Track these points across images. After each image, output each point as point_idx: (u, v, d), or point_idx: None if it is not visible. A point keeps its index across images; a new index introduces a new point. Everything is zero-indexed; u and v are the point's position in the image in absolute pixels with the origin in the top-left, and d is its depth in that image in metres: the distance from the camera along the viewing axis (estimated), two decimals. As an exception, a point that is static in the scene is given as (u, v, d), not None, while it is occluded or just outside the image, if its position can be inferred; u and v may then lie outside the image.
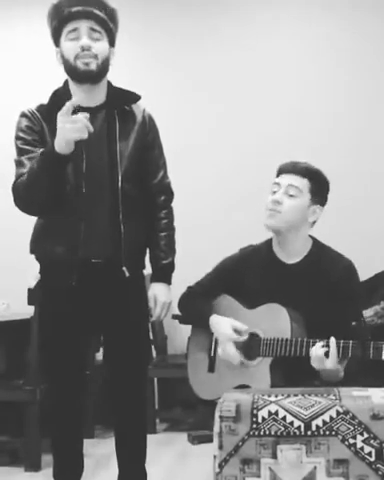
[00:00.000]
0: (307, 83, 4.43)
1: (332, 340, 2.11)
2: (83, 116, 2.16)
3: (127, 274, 2.35)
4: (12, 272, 4.18)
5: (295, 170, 2.34)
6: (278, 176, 2.37)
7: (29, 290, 2.96)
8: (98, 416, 3.76)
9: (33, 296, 2.93)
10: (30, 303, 2.98)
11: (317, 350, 2.11)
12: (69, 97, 2.34)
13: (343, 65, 4.42)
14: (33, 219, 2.43)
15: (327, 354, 2.10)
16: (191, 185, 4.18)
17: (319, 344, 2.12)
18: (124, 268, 2.34)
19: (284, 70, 4.44)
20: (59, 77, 2.45)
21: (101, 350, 2.88)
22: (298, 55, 4.46)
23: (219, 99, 4.46)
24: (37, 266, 2.45)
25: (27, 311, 3.15)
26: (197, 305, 2.47)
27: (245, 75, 4.46)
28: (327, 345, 2.11)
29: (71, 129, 2.14)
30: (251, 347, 2.31)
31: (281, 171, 2.37)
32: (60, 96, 2.37)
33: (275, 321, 2.26)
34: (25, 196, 2.28)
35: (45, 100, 2.41)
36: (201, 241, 4.25)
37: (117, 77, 2.48)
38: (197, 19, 4.52)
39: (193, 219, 4.09)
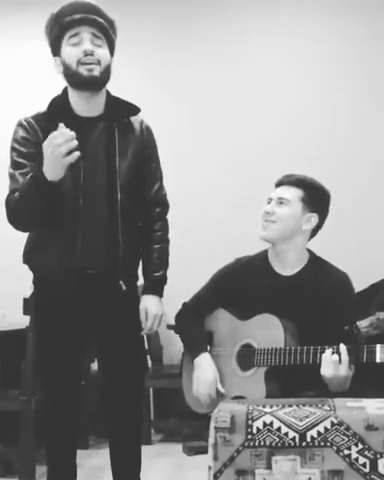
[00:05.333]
0: (303, 93, 4.46)
1: (342, 347, 2.09)
2: (69, 136, 2.08)
3: (124, 288, 2.35)
4: (7, 281, 4.17)
5: (287, 181, 2.38)
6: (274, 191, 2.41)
7: (24, 300, 2.96)
8: (93, 427, 3.75)
9: (29, 306, 2.92)
10: (26, 313, 2.98)
11: (330, 356, 2.09)
12: (68, 106, 2.34)
13: (339, 74, 4.45)
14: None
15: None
16: (186, 192, 4.19)
17: (329, 351, 2.11)
18: (121, 282, 2.34)
19: (279, 79, 4.47)
20: (54, 85, 2.41)
21: (96, 360, 2.88)
22: (293, 65, 4.49)
23: (218, 101, 4.48)
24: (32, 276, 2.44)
25: (23, 321, 3.14)
26: (193, 334, 2.45)
27: (241, 82, 4.49)
28: (336, 352, 2.09)
29: (59, 155, 2.08)
30: (245, 357, 2.31)
31: (276, 185, 2.41)
32: (58, 105, 2.35)
33: (269, 331, 2.26)
34: (16, 214, 2.27)
35: (41, 108, 2.37)
36: (198, 246, 4.26)
37: (109, 89, 2.44)
38: (189, 31, 4.54)
39: (190, 224, 4.11)
